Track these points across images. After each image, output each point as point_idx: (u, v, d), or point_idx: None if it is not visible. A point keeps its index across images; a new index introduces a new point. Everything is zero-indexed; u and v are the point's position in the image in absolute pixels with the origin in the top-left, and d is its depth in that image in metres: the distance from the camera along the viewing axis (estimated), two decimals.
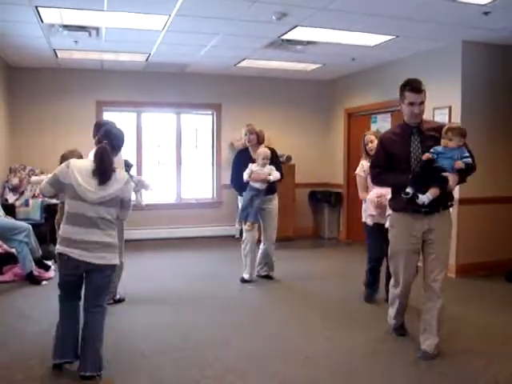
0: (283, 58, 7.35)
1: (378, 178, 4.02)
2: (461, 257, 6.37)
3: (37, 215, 6.97)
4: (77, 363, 3.47)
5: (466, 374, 3.60)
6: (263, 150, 5.86)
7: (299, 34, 5.96)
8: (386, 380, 3.51)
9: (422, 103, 3.72)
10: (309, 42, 6.38)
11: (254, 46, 6.66)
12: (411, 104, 3.70)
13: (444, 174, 3.62)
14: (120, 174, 3.46)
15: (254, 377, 3.55)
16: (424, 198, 3.60)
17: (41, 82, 8.10)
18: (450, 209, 3.93)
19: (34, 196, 7.27)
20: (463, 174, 3.76)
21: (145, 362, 3.77)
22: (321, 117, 9.56)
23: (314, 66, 8.05)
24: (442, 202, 3.74)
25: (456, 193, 6.24)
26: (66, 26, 5.66)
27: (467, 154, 3.69)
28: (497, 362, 3.80)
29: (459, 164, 3.62)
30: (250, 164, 5.85)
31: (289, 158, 8.79)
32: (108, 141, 3.48)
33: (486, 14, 5.01)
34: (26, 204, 7.03)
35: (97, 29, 5.80)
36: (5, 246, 6.12)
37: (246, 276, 6.02)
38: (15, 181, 7.38)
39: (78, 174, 3.34)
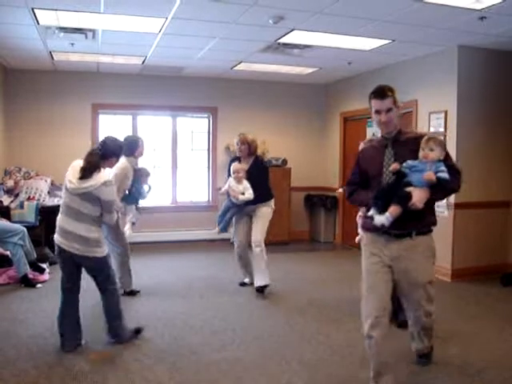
0: (280, 61, 7.36)
1: (350, 198, 3.57)
2: (456, 261, 6.38)
3: (32, 218, 6.94)
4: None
5: (461, 378, 3.59)
6: (237, 167, 5.69)
7: (296, 37, 5.97)
8: None
9: (390, 110, 3.24)
10: (305, 46, 6.39)
11: (250, 49, 6.67)
12: (377, 112, 3.27)
13: (408, 188, 3.09)
14: (101, 174, 3.86)
15: (249, 381, 3.54)
16: (382, 219, 3.08)
17: (37, 85, 8.08)
18: (432, 234, 3.35)
19: (28, 198, 7.24)
20: (437, 191, 3.15)
21: (138, 365, 3.76)
22: (317, 120, 9.57)
23: (310, 70, 8.07)
24: (414, 224, 3.21)
25: (452, 197, 6.28)
26: (62, 28, 5.65)
27: (443, 169, 3.10)
28: (493, 367, 3.80)
29: (429, 176, 3.05)
30: (230, 178, 5.75)
31: (284, 162, 8.79)
32: (100, 148, 4.03)
33: (481, 19, 5.02)
34: (21, 206, 7.00)
35: (93, 31, 5.79)
36: None
37: (244, 280, 6.07)
38: (10, 183, 7.35)
39: (70, 170, 3.95)
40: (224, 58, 7.30)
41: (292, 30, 5.68)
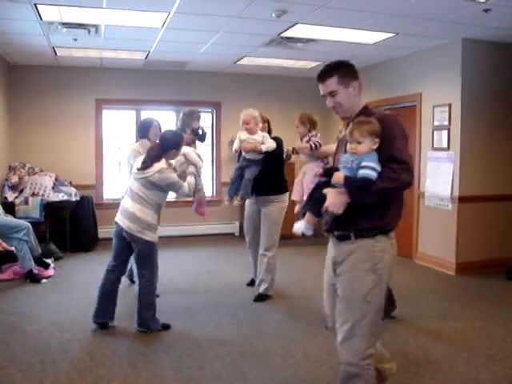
0: (283, 55, 7.34)
1: None
2: (460, 255, 6.36)
3: (36, 213, 6.96)
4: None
5: (466, 371, 3.60)
6: (246, 117, 5.00)
7: (299, 31, 5.95)
8: None
9: (334, 93, 2.75)
10: (309, 40, 6.37)
11: (253, 43, 6.65)
12: (324, 97, 2.83)
13: (325, 190, 2.52)
14: (158, 164, 4.16)
15: (253, 375, 3.54)
16: (301, 227, 2.68)
17: (40, 80, 8.08)
18: (378, 239, 2.52)
19: (33, 194, 7.26)
20: (356, 191, 2.42)
21: (143, 359, 3.77)
22: (321, 114, 9.47)
23: (313, 64, 8.04)
24: (354, 223, 2.53)
25: (456, 191, 6.27)
26: (65, 24, 5.63)
27: (366, 164, 2.40)
28: (498, 359, 3.80)
29: (336, 178, 2.48)
30: (239, 132, 5.11)
31: (289, 156, 8.76)
32: (159, 142, 4.37)
33: (486, 11, 4.99)
34: (26, 202, 7.02)
35: (96, 26, 5.79)
36: (4, 245, 6.13)
37: (254, 277, 5.64)
38: (15, 179, 7.36)
39: (138, 159, 4.36)
40: (227, 53, 7.28)
41: (295, 24, 5.66)
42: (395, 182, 2.40)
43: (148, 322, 4.30)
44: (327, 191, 2.49)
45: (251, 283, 5.73)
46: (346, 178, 2.42)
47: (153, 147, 4.39)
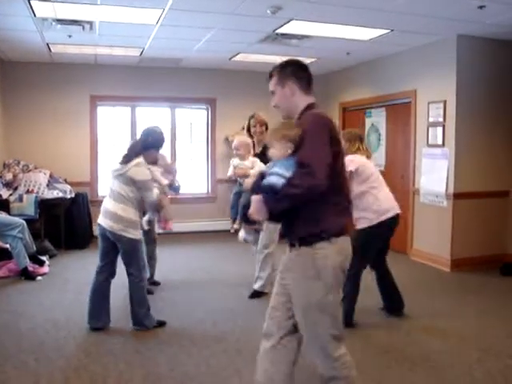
0: (278, 52, 7.32)
1: None
2: (455, 251, 6.38)
3: (31, 211, 6.93)
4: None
5: (461, 366, 3.61)
6: (236, 143, 5.16)
7: (294, 27, 5.94)
8: (380, 375, 3.51)
9: (273, 93, 2.80)
10: (304, 36, 6.36)
11: (248, 40, 6.64)
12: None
13: (253, 196, 2.47)
14: (136, 160, 4.13)
15: (249, 373, 3.54)
16: (241, 235, 2.56)
17: (34, 77, 8.05)
18: (317, 247, 2.43)
19: (27, 191, 7.23)
20: (269, 199, 2.37)
21: (139, 357, 3.77)
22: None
23: (308, 60, 8.02)
24: (295, 230, 2.50)
25: (451, 187, 6.29)
26: (59, 20, 5.61)
27: (274, 170, 2.40)
28: (492, 354, 3.82)
29: (246, 184, 2.62)
30: (232, 159, 5.26)
31: None
32: (141, 140, 4.40)
33: (480, 7, 4.99)
34: (20, 199, 6.99)
35: (90, 23, 5.76)
36: None
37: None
38: (9, 176, 7.33)
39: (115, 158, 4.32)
40: (222, 49, 7.26)
41: (290, 20, 5.65)
42: (299, 188, 2.29)
43: (142, 320, 4.29)
44: (252, 198, 2.45)
45: None
46: (253, 185, 2.44)
47: (134, 144, 4.36)
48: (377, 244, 4.43)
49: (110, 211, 4.15)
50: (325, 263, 2.42)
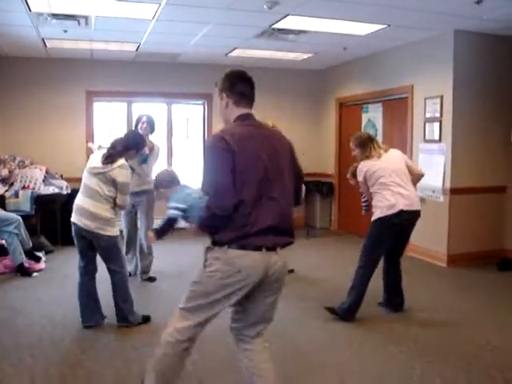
0: (275, 47, 7.31)
1: None
2: (452, 246, 6.39)
3: (27, 206, 6.92)
4: None
5: (458, 361, 3.61)
6: None
7: (290, 23, 5.92)
8: (377, 369, 3.52)
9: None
10: (300, 32, 6.35)
11: (245, 35, 6.62)
12: None
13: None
14: (120, 161, 4.09)
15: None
16: None
17: (30, 72, 8.01)
18: (215, 249, 2.57)
19: (23, 187, 7.21)
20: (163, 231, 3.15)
21: (135, 354, 3.76)
22: (312, 106, 9.53)
23: (305, 56, 8.02)
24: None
25: (447, 183, 6.30)
26: (54, 15, 5.58)
27: (169, 205, 3.08)
28: (489, 349, 3.83)
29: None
30: None
31: None
32: (123, 140, 4.32)
33: (477, 3, 4.98)
34: (16, 195, 6.97)
35: (86, 18, 5.73)
36: None
37: None
38: (5, 172, 7.31)
39: (93, 156, 4.29)
40: (218, 45, 7.24)
41: (287, 16, 5.63)
42: (208, 211, 2.48)
43: (127, 316, 4.26)
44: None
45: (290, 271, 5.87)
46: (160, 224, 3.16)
47: (116, 143, 4.24)
48: (386, 239, 4.45)
49: (85, 209, 4.06)
50: (213, 262, 2.56)
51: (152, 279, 5.73)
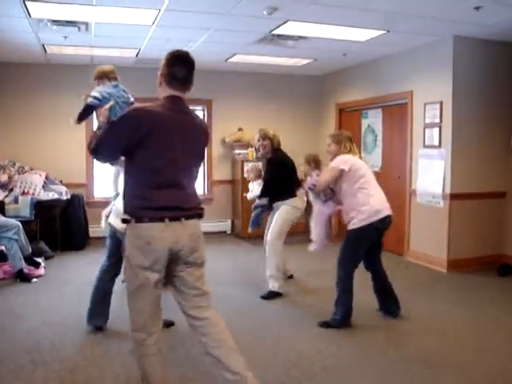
0: (274, 53, 7.32)
1: None
2: (452, 252, 6.38)
3: (26, 212, 6.91)
4: None
5: (459, 367, 3.60)
6: (248, 167, 5.99)
7: (290, 28, 5.93)
8: (377, 375, 3.50)
9: None
10: (300, 37, 6.35)
11: (244, 41, 6.63)
12: None
13: None
14: None
15: None
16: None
17: (30, 78, 8.02)
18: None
19: (23, 193, 7.21)
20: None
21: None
22: (312, 112, 9.54)
23: (305, 61, 8.03)
24: None
25: (447, 188, 6.30)
26: (54, 21, 5.59)
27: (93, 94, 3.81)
28: (490, 355, 3.81)
29: None
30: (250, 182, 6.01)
31: None
32: None
33: (477, 8, 5.00)
34: (16, 201, 6.97)
35: (86, 24, 5.74)
36: None
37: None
38: (4, 178, 7.30)
39: None
40: (218, 50, 7.25)
41: (286, 21, 5.64)
42: (92, 150, 2.85)
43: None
44: None
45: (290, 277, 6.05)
46: None
47: None
48: (365, 245, 4.40)
49: (120, 211, 4.07)
50: (127, 241, 2.78)
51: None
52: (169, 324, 4.30)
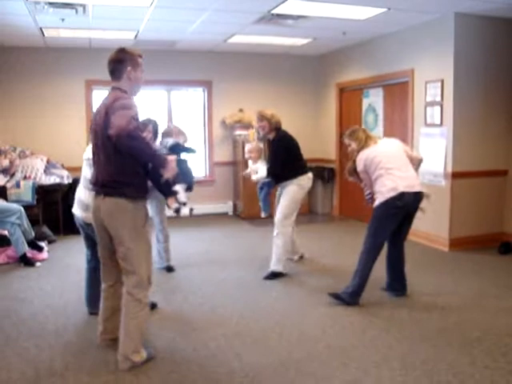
0: (274, 33, 7.26)
1: None
2: (454, 230, 6.39)
3: (28, 197, 6.93)
4: None
5: (461, 346, 3.62)
6: (249, 147, 5.77)
7: (290, 7, 5.87)
8: (380, 354, 3.53)
9: None
10: (299, 16, 6.29)
11: (243, 21, 6.57)
12: None
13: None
14: None
15: (248, 356, 3.55)
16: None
17: (28, 62, 7.98)
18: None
19: (24, 177, 7.21)
20: None
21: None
22: (312, 92, 9.50)
23: (304, 41, 7.97)
24: None
25: (449, 167, 6.28)
26: (51, 4, 5.54)
27: None
28: (491, 333, 3.83)
29: None
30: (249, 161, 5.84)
31: None
32: None
33: None
34: (17, 186, 6.98)
35: (83, 6, 5.69)
36: None
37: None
38: (5, 162, 7.30)
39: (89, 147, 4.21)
40: (217, 31, 7.19)
41: (285, 0, 5.58)
42: None
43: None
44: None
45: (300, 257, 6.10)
46: None
47: None
48: (388, 222, 4.44)
49: (83, 202, 4.02)
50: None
51: (170, 269, 5.67)
52: (152, 305, 4.32)
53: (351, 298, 4.46)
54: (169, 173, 3.25)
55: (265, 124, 5.42)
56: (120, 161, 3.15)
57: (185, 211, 5.28)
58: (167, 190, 3.87)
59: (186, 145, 5.40)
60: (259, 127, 5.51)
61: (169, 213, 5.03)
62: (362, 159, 4.51)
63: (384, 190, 4.36)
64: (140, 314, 3.32)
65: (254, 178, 5.58)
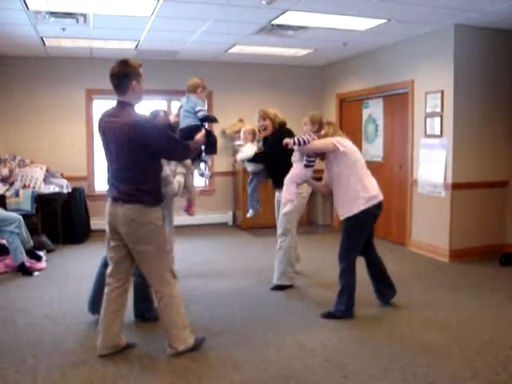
0: (274, 43, 7.28)
1: None
2: (454, 241, 6.37)
3: (27, 206, 6.91)
4: None
5: (462, 358, 3.59)
6: (247, 128, 5.47)
7: (290, 18, 5.89)
8: (381, 366, 3.50)
9: None
10: (300, 27, 6.31)
11: (244, 31, 6.58)
12: None
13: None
14: None
15: (248, 367, 3.53)
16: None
17: (29, 71, 7.99)
18: None
19: (24, 186, 7.20)
20: None
21: (136, 352, 3.74)
22: (313, 102, 9.50)
23: (305, 52, 7.99)
24: None
25: (449, 178, 6.27)
26: (52, 13, 5.56)
27: None
28: (493, 345, 3.81)
29: None
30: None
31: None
32: None
33: None
34: (17, 194, 6.96)
35: (84, 15, 5.71)
36: None
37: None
38: (5, 171, 7.30)
39: None
40: (218, 41, 7.21)
41: (286, 11, 5.59)
42: None
43: (144, 314, 4.33)
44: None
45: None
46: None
47: None
48: (366, 231, 4.38)
49: None
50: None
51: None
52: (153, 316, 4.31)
53: (346, 312, 4.39)
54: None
55: (268, 123, 5.21)
56: (147, 167, 3.46)
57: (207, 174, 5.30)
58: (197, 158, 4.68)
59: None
60: (261, 126, 5.26)
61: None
62: (345, 143, 4.26)
63: (367, 196, 4.22)
64: (171, 308, 3.65)
65: (238, 156, 5.34)
